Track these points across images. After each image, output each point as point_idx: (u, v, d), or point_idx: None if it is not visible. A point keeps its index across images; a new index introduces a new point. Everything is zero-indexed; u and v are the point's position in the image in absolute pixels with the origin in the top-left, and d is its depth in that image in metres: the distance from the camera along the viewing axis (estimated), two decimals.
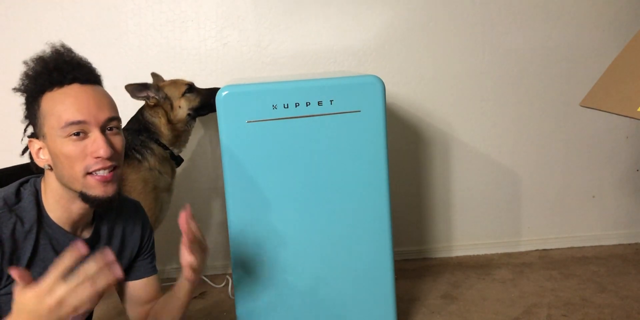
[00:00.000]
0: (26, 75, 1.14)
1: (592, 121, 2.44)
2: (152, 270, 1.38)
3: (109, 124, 1.13)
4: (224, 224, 1.66)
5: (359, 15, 2.29)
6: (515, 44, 2.36)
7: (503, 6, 2.32)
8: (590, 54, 2.38)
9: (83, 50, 1.20)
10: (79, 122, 1.08)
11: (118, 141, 1.15)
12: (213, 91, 1.89)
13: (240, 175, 1.59)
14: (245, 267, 1.65)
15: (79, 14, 2.20)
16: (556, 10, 2.35)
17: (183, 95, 1.98)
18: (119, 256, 1.32)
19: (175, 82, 2.03)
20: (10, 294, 1.09)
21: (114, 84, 2.30)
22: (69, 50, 1.17)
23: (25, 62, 1.15)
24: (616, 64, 1.55)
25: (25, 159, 1.22)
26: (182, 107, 1.97)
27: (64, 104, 1.09)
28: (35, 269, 1.13)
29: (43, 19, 2.19)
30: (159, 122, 1.96)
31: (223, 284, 2.31)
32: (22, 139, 1.20)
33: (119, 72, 2.25)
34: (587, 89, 1.62)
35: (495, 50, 2.36)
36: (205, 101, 2.00)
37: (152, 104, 1.96)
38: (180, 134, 2.02)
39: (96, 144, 1.09)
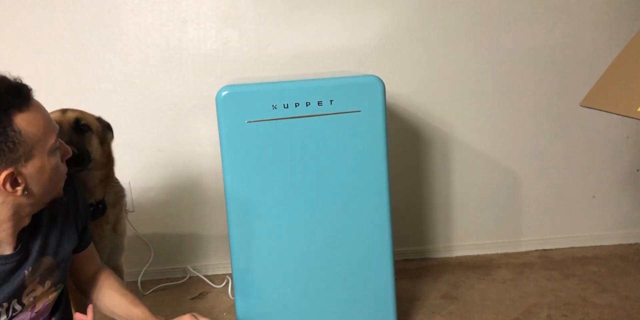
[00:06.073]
0: None
1: (592, 121, 2.44)
2: (89, 240, 1.43)
3: None
4: (224, 224, 1.66)
5: (359, 15, 2.29)
6: (515, 44, 2.36)
7: (503, 6, 2.32)
8: (590, 54, 2.38)
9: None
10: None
11: None
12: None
13: (240, 175, 1.59)
14: (245, 267, 1.66)
15: (79, 14, 2.20)
16: (556, 10, 2.34)
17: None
18: (57, 253, 1.27)
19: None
20: None
21: (114, 85, 2.31)
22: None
23: None
24: (616, 64, 1.55)
25: None
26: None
27: (43, 121, 1.11)
28: None
29: (43, 19, 2.19)
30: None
31: (223, 284, 2.31)
32: None
33: (119, 72, 2.25)
34: (587, 89, 1.62)
35: (495, 50, 2.36)
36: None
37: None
38: None
39: (64, 147, 1.19)
